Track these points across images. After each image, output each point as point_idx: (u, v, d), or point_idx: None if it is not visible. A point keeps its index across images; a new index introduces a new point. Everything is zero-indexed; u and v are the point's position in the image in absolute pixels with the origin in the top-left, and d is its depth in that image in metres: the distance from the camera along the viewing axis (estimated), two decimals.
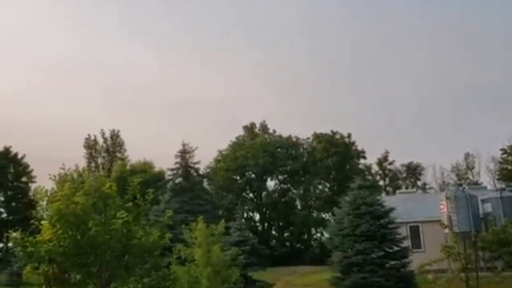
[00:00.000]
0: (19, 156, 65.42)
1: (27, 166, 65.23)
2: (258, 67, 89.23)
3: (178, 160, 39.61)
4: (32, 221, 11.45)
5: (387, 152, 65.85)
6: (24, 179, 64.80)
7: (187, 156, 39.42)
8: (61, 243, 10.72)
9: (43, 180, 11.78)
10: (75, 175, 11.88)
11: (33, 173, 64.47)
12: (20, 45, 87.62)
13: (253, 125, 68.45)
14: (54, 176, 11.26)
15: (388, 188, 64.47)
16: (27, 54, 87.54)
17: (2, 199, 65.22)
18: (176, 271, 15.55)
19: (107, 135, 72.31)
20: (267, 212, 64.18)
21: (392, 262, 25.43)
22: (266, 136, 66.82)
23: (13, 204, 63.23)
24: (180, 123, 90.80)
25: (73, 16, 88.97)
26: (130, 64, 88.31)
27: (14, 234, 11.19)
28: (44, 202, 11.46)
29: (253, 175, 63.10)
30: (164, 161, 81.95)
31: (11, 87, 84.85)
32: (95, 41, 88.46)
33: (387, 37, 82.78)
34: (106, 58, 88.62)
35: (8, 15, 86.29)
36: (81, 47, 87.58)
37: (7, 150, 65.08)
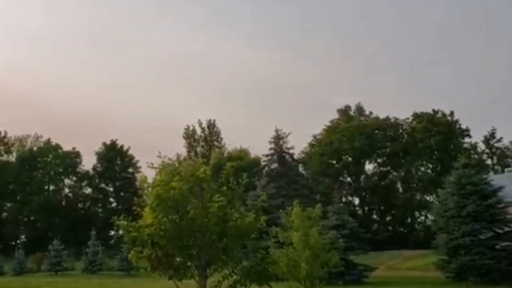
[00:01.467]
0: (125, 148, 69.40)
1: (132, 157, 69.03)
2: (349, 49, 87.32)
3: (272, 146, 39.75)
4: (134, 207, 11.92)
5: (494, 129, 61.79)
6: (130, 170, 68.63)
7: (281, 142, 39.42)
8: (162, 227, 11.07)
9: (147, 171, 12.20)
10: (175, 162, 12.17)
11: (138, 164, 67.83)
12: (136, 44, 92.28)
13: (348, 107, 67.15)
14: (152, 164, 11.64)
15: (496, 167, 60.54)
16: (140, 51, 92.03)
17: (112, 189, 69.57)
18: (274, 254, 15.55)
19: (204, 125, 74.40)
20: (367, 196, 62.88)
21: (503, 244, 23.90)
22: (362, 118, 65.27)
23: (122, 193, 67.25)
24: (273, 109, 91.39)
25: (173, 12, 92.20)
26: (225, 54, 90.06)
27: (120, 221, 11.66)
28: (148, 189, 11.84)
29: (350, 159, 62.00)
30: (260, 147, 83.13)
31: (119, 83, 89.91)
32: (197, 35, 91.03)
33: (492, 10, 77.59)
34: (203, 50, 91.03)
35: (126, 16, 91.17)
36: (188, 42, 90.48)
37: (113, 143, 69.21)
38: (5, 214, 68.43)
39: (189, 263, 11.86)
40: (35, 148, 71.91)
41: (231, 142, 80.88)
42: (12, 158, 71.49)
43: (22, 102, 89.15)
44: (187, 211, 11.08)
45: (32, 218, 67.78)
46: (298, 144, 66.35)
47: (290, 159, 41.08)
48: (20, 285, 29.47)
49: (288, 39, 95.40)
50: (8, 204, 69.03)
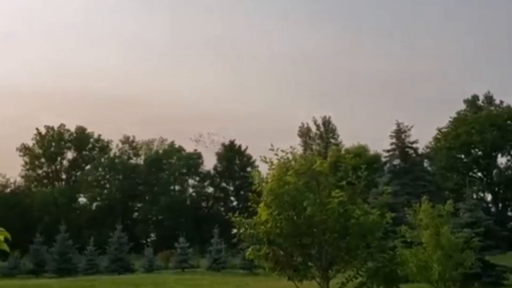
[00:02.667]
0: (242, 148, 70.65)
1: (250, 157, 70.08)
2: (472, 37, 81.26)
3: (394, 140, 37.70)
4: (249, 203, 11.46)
5: None
6: (248, 169, 69.74)
7: (403, 136, 37.27)
8: (277, 224, 10.45)
9: (263, 168, 11.64)
10: (290, 156, 11.49)
11: (256, 163, 68.64)
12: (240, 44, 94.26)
13: (475, 97, 62.34)
14: (265, 158, 11.06)
15: None
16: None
17: (232, 188, 71.18)
18: (403, 254, 14.29)
19: (319, 122, 73.32)
20: (500, 191, 57.88)
21: None
22: (492, 108, 60.18)
23: (241, 192, 68.49)
24: (392, 102, 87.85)
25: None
26: (339, 50, 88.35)
27: (235, 218, 11.28)
28: (262, 184, 11.33)
29: (480, 152, 57.46)
30: (379, 144, 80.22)
31: (235, 84, 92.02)
32: (308, 34, 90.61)
33: None
34: (314, 47, 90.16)
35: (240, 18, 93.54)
36: (300, 40, 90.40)
37: (232, 143, 70.76)
38: (136, 214, 72.90)
39: (309, 263, 11.11)
40: (160, 151, 75.77)
41: (348, 138, 79.03)
42: (140, 161, 75.96)
43: (149, 108, 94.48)
44: (303, 208, 10.31)
45: (160, 217, 71.31)
46: (420, 139, 62.84)
47: (414, 154, 38.76)
48: (150, 282, 30.65)
49: (405, 31, 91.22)
50: (139, 205, 73.46)
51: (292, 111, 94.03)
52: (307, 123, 73.09)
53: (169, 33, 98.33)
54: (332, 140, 72.20)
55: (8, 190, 68.46)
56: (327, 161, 11.52)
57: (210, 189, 74.02)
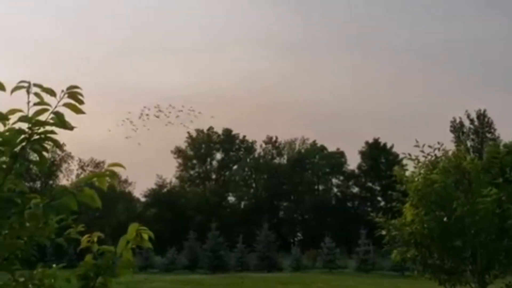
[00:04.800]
0: (388, 146, 68.41)
1: (397, 155, 67.57)
2: None
3: None
4: (394, 203, 10.95)
5: None
6: (396, 168, 67.25)
7: None
8: (425, 225, 9.82)
9: (411, 167, 11.01)
10: (437, 153, 10.76)
11: (404, 162, 65.88)
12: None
13: None
14: (409, 155, 10.47)
15: None
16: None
17: (378, 188, 69.24)
18: None
19: (473, 116, 68.33)
20: None
21: None
22: None
23: (389, 192, 66.31)
24: None
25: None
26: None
27: (379, 219, 10.87)
28: (407, 183, 10.76)
29: None
30: None
31: (374, 81, 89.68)
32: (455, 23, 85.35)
33: None
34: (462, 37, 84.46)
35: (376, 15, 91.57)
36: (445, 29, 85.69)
37: (376, 142, 68.90)
38: (282, 213, 74.36)
39: (462, 267, 10.30)
40: (303, 150, 76.44)
41: (508, 133, 72.61)
42: (284, 160, 77.34)
43: (290, 108, 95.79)
44: (453, 208, 9.56)
45: (306, 216, 71.84)
46: None
47: None
48: (298, 281, 30.99)
49: None
50: (284, 204, 74.83)
51: (442, 105, 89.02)
52: (460, 118, 68.62)
53: (306, 31, 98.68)
54: (489, 135, 66.83)
55: (165, 190, 73.93)
56: (483, 163, 10.57)
57: (356, 189, 72.90)
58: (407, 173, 10.98)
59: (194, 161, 78.05)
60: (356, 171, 71.45)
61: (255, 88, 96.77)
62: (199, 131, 78.04)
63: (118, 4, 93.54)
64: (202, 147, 77.77)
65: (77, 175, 69.12)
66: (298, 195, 71.19)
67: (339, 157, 72.64)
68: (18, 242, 2.79)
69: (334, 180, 74.56)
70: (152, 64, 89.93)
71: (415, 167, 10.46)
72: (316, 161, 73.46)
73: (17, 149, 2.32)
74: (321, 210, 67.21)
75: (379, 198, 69.88)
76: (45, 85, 2.42)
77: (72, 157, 69.20)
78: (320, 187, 74.72)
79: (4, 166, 2.32)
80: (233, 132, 78.41)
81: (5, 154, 2.31)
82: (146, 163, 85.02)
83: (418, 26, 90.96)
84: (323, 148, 74.16)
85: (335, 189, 74.72)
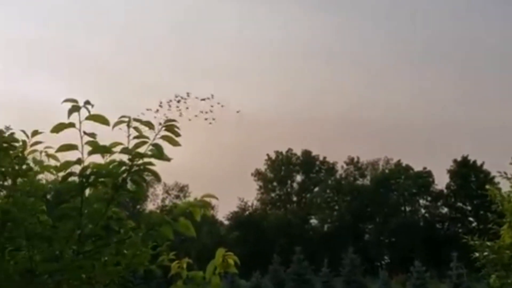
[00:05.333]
0: (478, 163, 65.21)
1: (488, 173, 64.19)
2: None
3: None
4: (490, 225, 10.33)
5: None
6: (487, 186, 63.89)
7: None
8: None
9: (504, 185, 10.40)
10: None
11: (496, 180, 62.61)
12: None
13: None
14: (505, 173, 9.86)
15: None
16: None
17: (469, 208, 65.95)
18: None
19: None
20: None
21: None
22: None
23: (481, 212, 62.94)
24: None
25: None
26: None
27: (473, 241, 10.29)
28: (503, 203, 10.13)
29: None
30: None
31: (457, 92, 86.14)
32: None
33: None
34: None
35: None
36: None
37: (465, 159, 65.90)
38: (367, 235, 72.63)
39: None
40: (386, 171, 74.59)
41: None
42: (367, 181, 75.78)
43: (371, 127, 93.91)
44: None
45: (393, 239, 69.75)
46: None
47: None
48: None
49: None
50: (369, 226, 73.09)
51: None
52: None
53: (381, 45, 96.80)
54: None
55: (247, 213, 74.69)
56: None
57: (445, 210, 70.04)
58: (503, 192, 10.35)
59: (275, 184, 78.38)
60: (445, 191, 68.78)
61: (333, 107, 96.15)
62: (278, 153, 78.47)
63: (195, 34, 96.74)
64: (281, 169, 78.03)
65: (163, 199, 71.52)
66: (383, 217, 69.34)
67: (426, 176, 70.21)
68: (117, 268, 2.90)
69: (422, 201, 72.13)
70: (231, 85, 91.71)
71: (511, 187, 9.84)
72: (401, 181, 71.41)
73: (118, 180, 2.44)
74: (408, 232, 64.95)
75: (470, 219, 66.60)
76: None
77: (157, 182, 71.77)
78: (407, 209, 72.41)
79: (106, 196, 2.44)
80: (313, 154, 78.15)
81: (107, 185, 2.43)
82: (226, 184, 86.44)
83: (503, 33, 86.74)
84: (408, 167, 72.01)
85: (422, 210, 72.28)
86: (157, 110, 21.30)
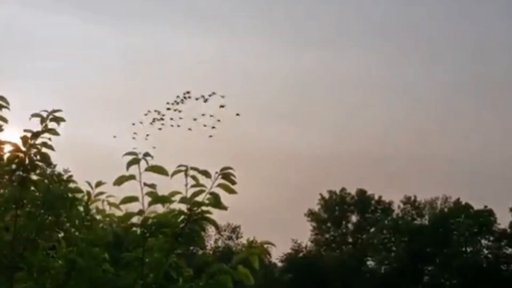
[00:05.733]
0: None
1: None
2: None
3: None
4: None
5: None
6: None
7: None
8: None
9: None
10: None
11: None
12: None
13: None
14: None
15: None
16: None
17: None
18: None
19: None
20: None
21: None
22: None
23: None
24: None
25: None
26: None
27: None
28: None
29: None
30: None
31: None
32: None
33: None
34: None
35: None
36: None
37: None
38: (426, 277, 69.86)
39: None
40: (446, 210, 72.11)
41: None
42: (425, 221, 73.38)
43: (427, 165, 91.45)
44: None
45: (454, 281, 66.91)
46: None
47: None
48: None
49: None
50: (429, 268, 70.34)
51: None
52: None
53: (441, 82, 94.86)
54: None
55: (301, 254, 73.44)
56: None
57: (509, 250, 66.78)
58: None
59: (329, 224, 77.08)
60: (508, 230, 65.73)
61: (387, 144, 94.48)
62: (331, 193, 77.43)
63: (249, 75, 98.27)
64: (336, 210, 76.79)
65: (215, 240, 71.54)
66: (444, 258, 66.62)
67: (487, 215, 67.38)
68: None
69: (484, 241, 69.04)
70: (288, 126, 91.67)
71: None
72: (461, 220, 68.76)
73: (177, 229, 2.49)
74: (471, 274, 62.06)
75: None
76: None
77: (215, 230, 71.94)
78: (468, 249, 69.41)
79: (167, 246, 2.49)
80: (368, 193, 76.64)
81: (168, 234, 2.48)
82: (278, 225, 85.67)
83: None
84: (468, 206, 69.36)
85: (485, 251, 69.09)
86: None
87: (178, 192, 2.56)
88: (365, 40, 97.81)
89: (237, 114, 23.27)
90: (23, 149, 2.79)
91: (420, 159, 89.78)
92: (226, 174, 2.52)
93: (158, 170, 2.43)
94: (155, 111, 18.80)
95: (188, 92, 19.30)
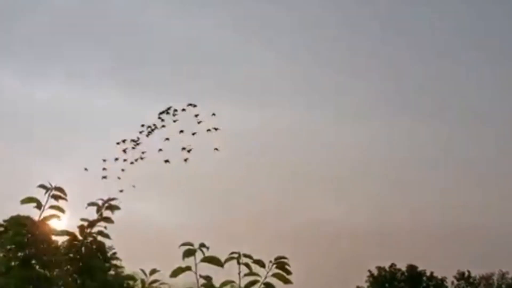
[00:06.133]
0: None
1: None
2: None
3: None
4: None
5: None
6: None
7: None
8: None
9: None
10: None
11: None
12: None
13: None
14: None
15: None
16: None
17: None
18: None
19: None
20: None
21: None
22: None
23: None
24: None
25: None
26: None
27: None
28: None
29: None
30: None
31: None
32: None
33: None
34: None
35: None
36: None
37: None
38: None
39: None
40: (503, 286, 68.34)
41: None
42: None
43: (481, 238, 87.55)
44: None
45: None
46: None
47: None
48: None
49: None
50: None
51: None
52: None
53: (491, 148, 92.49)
54: None
55: None
56: None
57: None
58: None
59: None
60: None
61: (438, 216, 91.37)
62: (380, 269, 74.91)
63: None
64: (385, 286, 73.95)
65: None
66: None
67: None
68: None
69: None
70: (327, 195, 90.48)
71: None
72: None
73: None
74: None
75: None
76: None
77: None
78: None
79: None
80: (419, 268, 73.83)
81: None
82: None
83: None
84: None
85: None
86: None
87: (232, 281, 2.53)
88: (422, 115, 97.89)
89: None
90: (80, 238, 2.85)
91: (472, 232, 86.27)
92: (280, 264, 2.48)
93: (214, 261, 2.43)
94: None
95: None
